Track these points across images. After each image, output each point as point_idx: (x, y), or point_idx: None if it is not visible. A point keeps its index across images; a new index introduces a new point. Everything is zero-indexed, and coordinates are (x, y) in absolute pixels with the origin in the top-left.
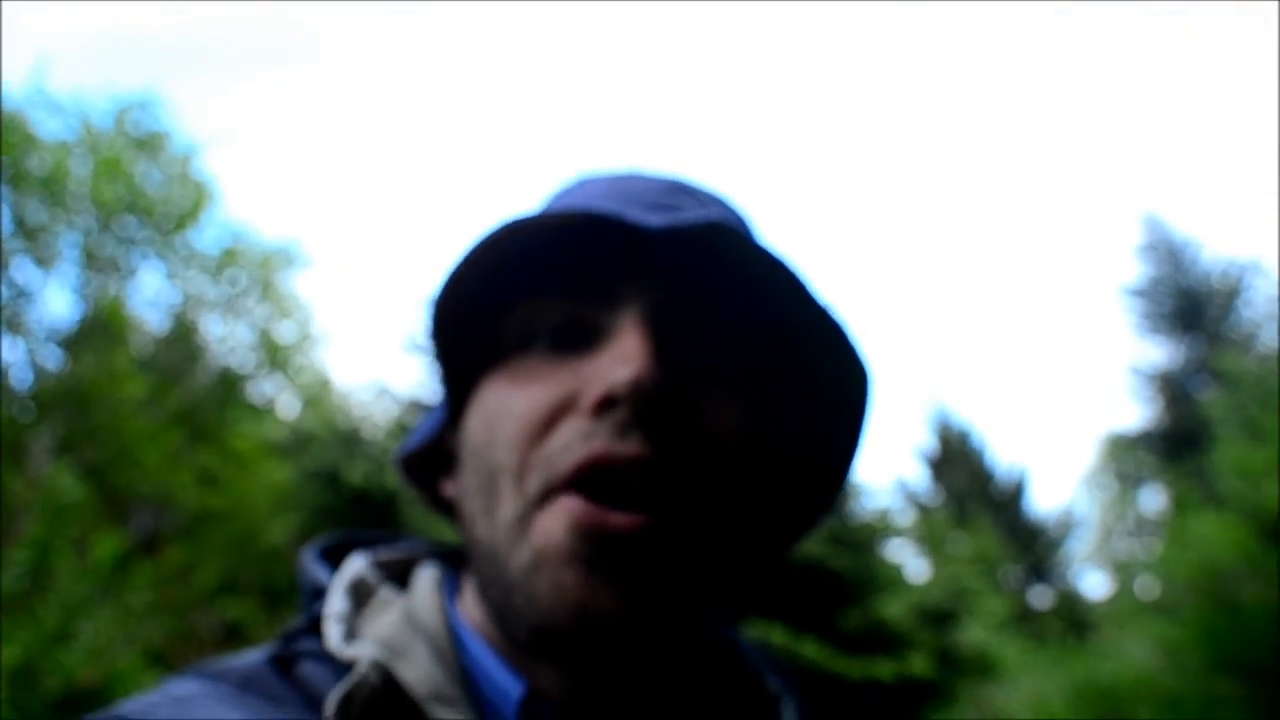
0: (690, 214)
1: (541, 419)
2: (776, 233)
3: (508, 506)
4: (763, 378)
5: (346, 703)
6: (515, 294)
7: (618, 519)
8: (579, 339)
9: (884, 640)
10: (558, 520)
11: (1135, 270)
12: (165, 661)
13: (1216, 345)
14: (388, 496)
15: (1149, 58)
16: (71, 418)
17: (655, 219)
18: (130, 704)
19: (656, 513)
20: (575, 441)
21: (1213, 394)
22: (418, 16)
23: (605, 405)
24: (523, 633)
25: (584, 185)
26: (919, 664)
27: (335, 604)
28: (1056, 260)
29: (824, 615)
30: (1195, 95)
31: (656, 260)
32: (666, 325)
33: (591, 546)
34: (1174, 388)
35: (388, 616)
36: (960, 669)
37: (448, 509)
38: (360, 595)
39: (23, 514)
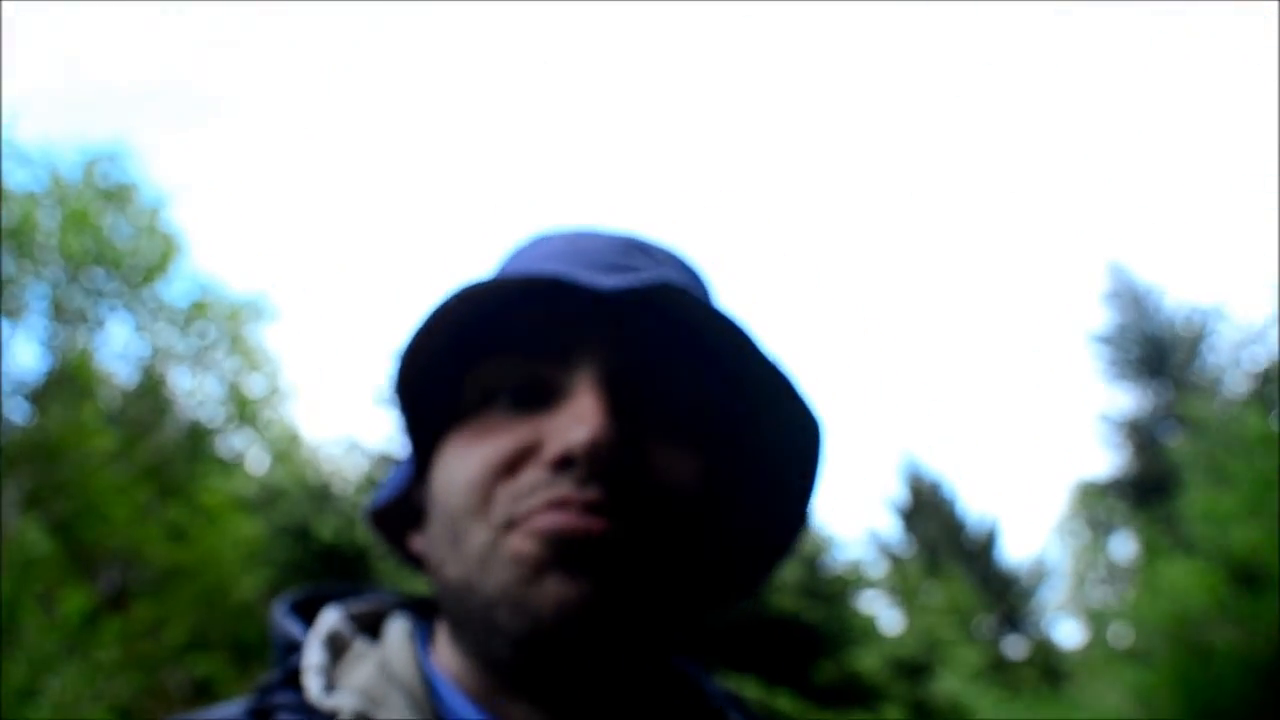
0: (644, 274)
1: (504, 463)
2: (738, 283)
3: (475, 538)
4: (716, 431)
5: None
6: (476, 353)
7: (586, 521)
8: (538, 397)
9: (858, 692)
10: (527, 538)
11: (1101, 317)
12: (133, 718)
13: (1183, 391)
14: (358, 552)
15: (1109, 104)
16: (39, 471)
17: (609, 281)
18: None
19: (620, 520)
20: (540, 487)
21: (1180, 440)
22: (383, 66)
23: (563, 464)
24: (508, 650)
25: (540, 244)
26: (894, 715)
27: (313, 656)
28: (1024, 309)
29: (798, 668)
30: (1153, 138)
31: (611, 321)
32: (621, 383)
33: (564, 551)
34: (1142, 434)
35: (364, 668)
36: None
37: (416, 563)
38: (336, 648)
39: None
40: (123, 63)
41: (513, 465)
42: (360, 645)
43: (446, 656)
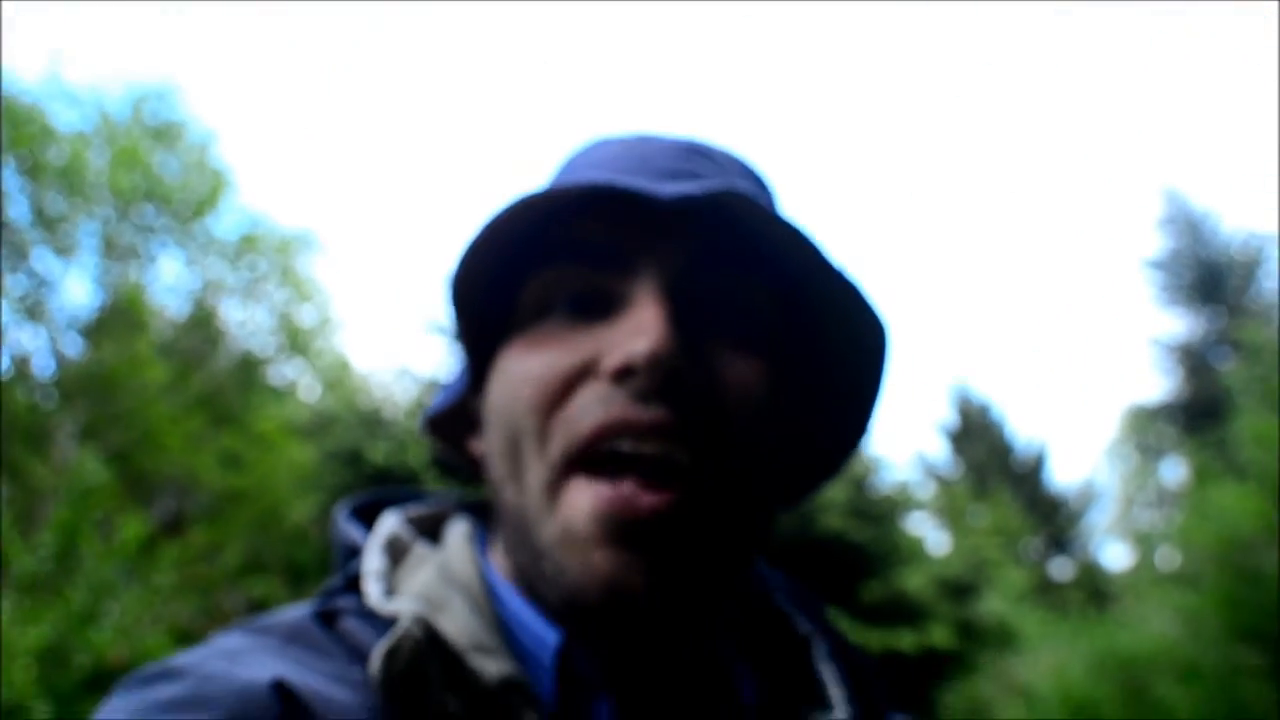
0: (704, 182)
1: (561, 382)
2: (794, 206)
3: (534, 474)
4: (780, 338)
5: (391, 655)
6: (533, 264)
7: (644, 500)
8: (597, 307)
9: (905, 612)
10: (583, 502)
11: (1155, 243)
12: (192, 640)
13: (1237, 317)
14: (410, 475)
15: (1165, 36)
16: (94, 404)
17: (668, 189)
18: (183, 657)
19: (681, 489)
20: (594, 405)
21: (1233, 365)
22: (431, 6)
23: (623, 374)
24: (553, 598)
25: (599, 149)
26: (940, 635)
27: (373, 562)
28: (1076, 235)
29: (845, 587)
30: (1212, 71)
31: (671, 227)
32: (682, 291)
33: (618, 529)
34: (1194, 359)
35: (424, 572)
36: (981, 640)
37: (474, 466)
38: (396, 552)
39: (49, 499)
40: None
41: (571, 381)
42: (420, 549)
43: (505, 559)
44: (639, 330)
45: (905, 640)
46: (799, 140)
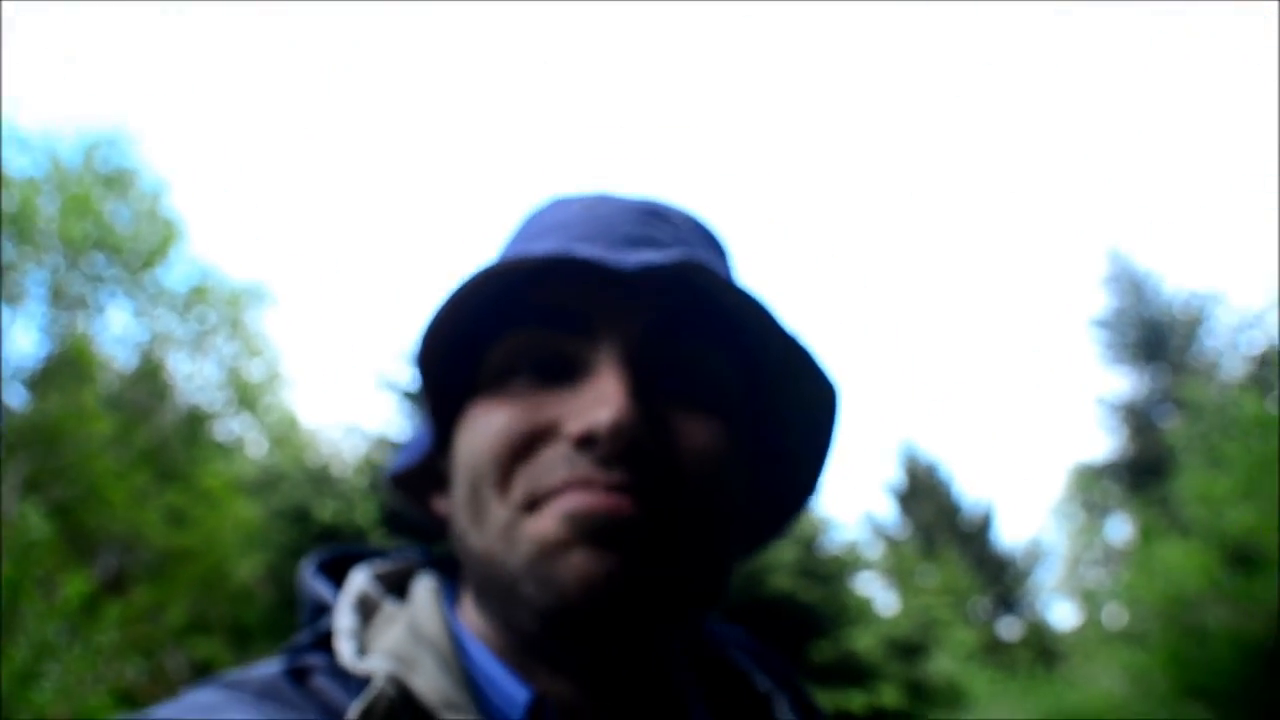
0: (665, 252)
1: (524, 439)
2: (747, 260)
3: (497, 514)
4: (737, 398)
5: (367, 715)
6: (497, 327)
7: (611, 500)
8: (560, 371)
9: (855, 672)
10: (550, 518)
11: (1100, 302)
12: (134, 700)
13: (1180, 375)
14: (357, 532)
15: (1108, 93)
16: (38, 456)
17: (631, 259)
18: (160, 710)
19: (645, 501)
20: (559, 464)
21: (1176, 423)
22: (383, 52)
23: (586, 441)
24: (534, 623)
25: (557, 210)
26: (890, 695)
27: (344, 620)
28: (1024, 294)
29: (795, 648)
30: (1153, 126)
31: (633, 294)
32: (643, 358)
33: (588, 528)
34: (1139, 418)
35: (394, 630)
36: (931, 700)
37: (439, 524)
38: (366, 610)
39: None
40: (120, 53)
41: (533, 440)
42: (389, 607)
43: (473, 615)
44: (601, 400)
45: (855, 701)
46: (752, 199)
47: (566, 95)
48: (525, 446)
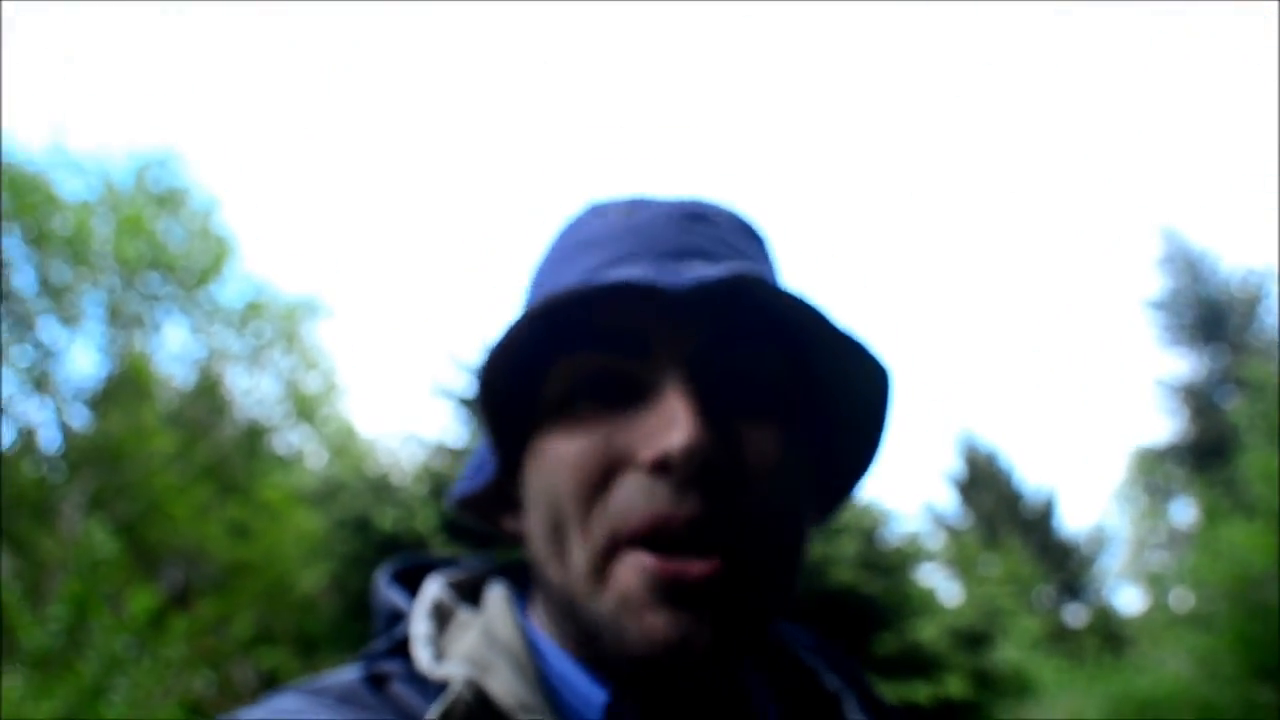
0: (715, 267)
1: (599, 471)
2: (796, 256)
3: (578, 555)
4: (792, 398)
5: (446, 719)
6: (552, 351)
7: (694, 567)
8: (622, 393)
9: (919, 663)
10: (632, 573)
11: (1155, 284)
12: (203, 712)
13: (1240, 354)
14: (418, 541)
15: (1153, 73)
16: (101, 475)
17: (684, 277)
18: (246, 712)
19: (725, 556)
20: (638, 499)
21: (1238, 403)
22: (434, 68)
23: (660, 467)
24: (608, 666)
25: (593, 221)
26: (955, 686)
27: (420, 627)
28: (1077, 278)
29: (858, 641)
30: (1203, 103)
31: (686, 309)
32: (703, 373)
33: (672, 592)
34: (1199, 399)
35: (469, 636)
36: (997, 690)
37: (512, 539)
38: (441, 617)
39: (56, 572)
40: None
41: (608, 469)
42: (463, 614)
43: (547, 620)
44: (670, 422)
45: (920, 692)
46: (798, 193)
47: (599, 95)
48: (601, 478)
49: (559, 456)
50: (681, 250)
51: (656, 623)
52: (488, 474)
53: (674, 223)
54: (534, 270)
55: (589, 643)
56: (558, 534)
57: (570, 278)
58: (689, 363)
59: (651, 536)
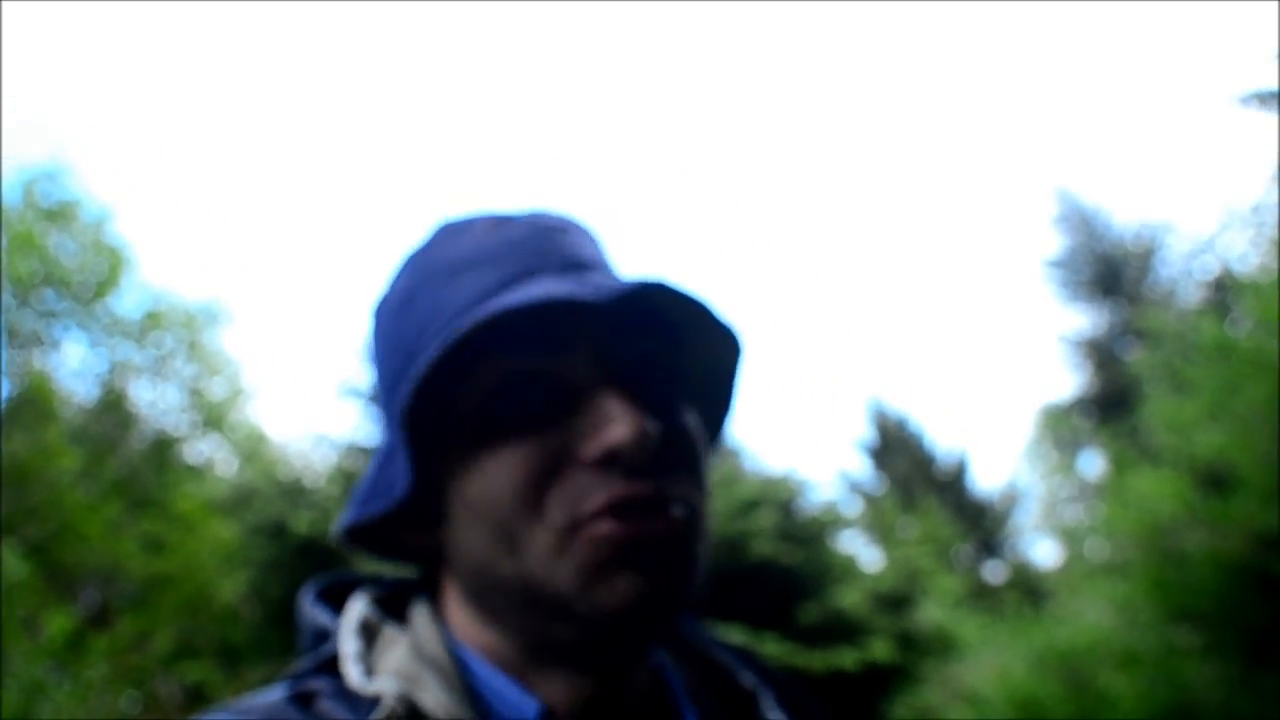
0: (613, 279)
1: (542, 470)
2: (692, 230)
3: (539, 539)
4: (685, 381)
5: None
6: (469, 363)
7: (653, 525)
8: (548, 397)
9: (844, 630)
10: (599, 540)
11: (1053, 242)
12: None
13: (1138, 306)
14: (335, 543)
15: (1044, 35)
16: (9, 497)
17: (602, 290)
18: None
19: (678, 515)
20: (592, 488)
21: (1139, 354)
22: (329, 72)
23: (609, 459)
24: (577, 634)
25: (459, 239)
26: (881, 649)
27: (349, 645)
28: (977, 242)
29: (782, 611)
30: (1091, 64)
31: (599, 314)
32: (624, 371)
33: (635, 553)
34: (1101, 352)
35: (397, 652)
36: (922, 650)
37: (419, 555)
38: (369, 634)
39: None
40: (52, 80)
41: (550, 467)
42: (390, 630)
43: (473, 633)
44: (608, 420)
45: (847, 658)
46: (691, 164)
47: (463, 97)
48: (545, 476)
49: (497, 463)
50: (567, 262)
51: (624, 583)
52: (397, 493)
53: (545, 236)
54: (393, 299)
55: (549, 621)
56: (505, 530)
57: (463, 298)
58: (612, 364)
59: (610, 512)
